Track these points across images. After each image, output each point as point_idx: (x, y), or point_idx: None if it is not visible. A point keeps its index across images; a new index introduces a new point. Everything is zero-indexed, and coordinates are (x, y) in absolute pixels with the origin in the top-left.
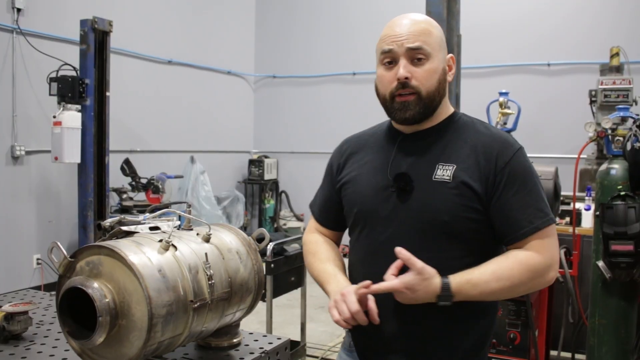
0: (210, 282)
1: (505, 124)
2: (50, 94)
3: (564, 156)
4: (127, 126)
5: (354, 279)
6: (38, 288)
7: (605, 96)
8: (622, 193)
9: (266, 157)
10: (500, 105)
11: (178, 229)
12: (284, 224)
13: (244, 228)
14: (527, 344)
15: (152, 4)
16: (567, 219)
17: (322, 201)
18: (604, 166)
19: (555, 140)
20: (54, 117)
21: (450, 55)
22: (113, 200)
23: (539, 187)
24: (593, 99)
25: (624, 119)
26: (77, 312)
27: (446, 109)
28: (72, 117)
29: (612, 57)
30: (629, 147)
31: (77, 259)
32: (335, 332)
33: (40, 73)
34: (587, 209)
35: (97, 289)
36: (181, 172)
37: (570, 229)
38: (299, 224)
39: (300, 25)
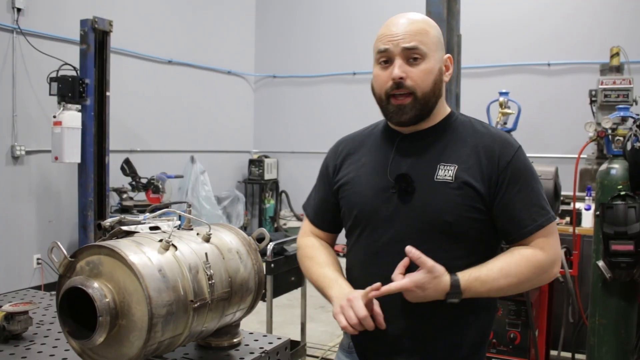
0: (210, 282)
1: (505, 123)
2: (50, 94)
3: (564, 156)
4: (127, 126)
5: (353, 281)
6: (38, 288)
7: (606, 96)
8: (622, 193)
9: (266, 157)
10: (500, 105)
11: (178, 229)
12: (284, 224)
13: (244, 228)
14: (527, 343)
15: (152, 4)
16: (567, 218)
17: (317, 203)
18: (604, 166)
19: (556, 140)
20: (54, 117)
21: (448, 55)
22: (113, 200)
23: (539, 185)
24: (593, 98)
25: (624, 119)
26: (77, 312)
27: (443, 109)
28: (72, 117)
29: (612, 57)
30: (629, 147)
31: (77, 258)
32: (335, 332)
33: (41, 73)
34: (587, 209)
35: (97, 288)
36: (181, 172)
37: (570, 229)
38: (299, 223)
39: (300, 25)
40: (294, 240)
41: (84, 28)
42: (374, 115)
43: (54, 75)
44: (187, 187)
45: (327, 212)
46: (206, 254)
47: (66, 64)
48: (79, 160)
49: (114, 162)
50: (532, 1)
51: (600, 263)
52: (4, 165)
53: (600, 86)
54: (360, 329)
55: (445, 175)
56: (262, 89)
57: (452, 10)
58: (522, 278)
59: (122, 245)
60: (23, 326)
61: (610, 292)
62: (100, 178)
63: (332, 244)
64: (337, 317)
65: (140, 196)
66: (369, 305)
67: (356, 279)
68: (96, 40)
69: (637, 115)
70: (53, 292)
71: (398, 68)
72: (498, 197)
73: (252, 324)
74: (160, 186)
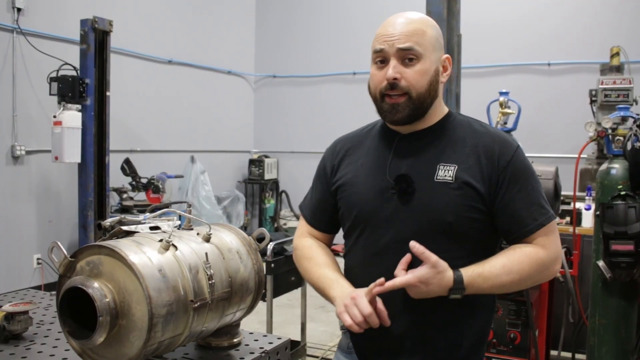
0: (210, 282)
1: (505, 123)
2: (50, 94)
3: (564, 156)
4: (127, 126)
5: (352, 282)
6: (38, 288)
7: (606, 96)
8: (623, 193)
9: (266, 156)
10: (501, 105)
11: (178, 229)
12: (284, 224)
13: (244, 228)
14: (528, 343)
15: (152, 4)
16: (568, 218)
17: (315, 203)
18: (604, 166)
19: (556, 140)
20: (54, 116)
21: (446, 55)
22: (113, 200)
23: (538, 184)
24: (593, 98)
25: (624, 119)
26: (77, 312)
27: (441, 109)
28: (72, 117)
29: (612, 56)
30: (629, 146)
31: (78, 258)
32: (336, 332)
33: (41, 73)
34: (588, 209)
35: (97, 288)
36: (181, 172)
37: (570, 229)
38: None
39: (300, 25)
40: None
41: (84, 28)
42: (374, 115)
43: (54, 75)
44: (187, 187)
45: (325, 212)
46: (206, 253)
47: (66, 63)
48: (79, 160)
49: (114, 162)
50: (532, 1)
51: (601, 263)
52: (4, 165)
53: (601, 86)
54: (365, 327)
55: (446, 175)
56: (262, 89)
57: (452, 10)
58: (524, 275)
59: (122, 245)
60: (23, 326)
61: (610, 292)
62: (100, 178)
63: (329, 244)
64: (342, 316)
65: (141, 196)
66: (372, 302)
67: (356, 280)
68: (96, 40)
69: (637, 115)
70: (53, 292)
71: (392, 69)
72: (498, 196)
73: (252, 324)
74: (160, 186)
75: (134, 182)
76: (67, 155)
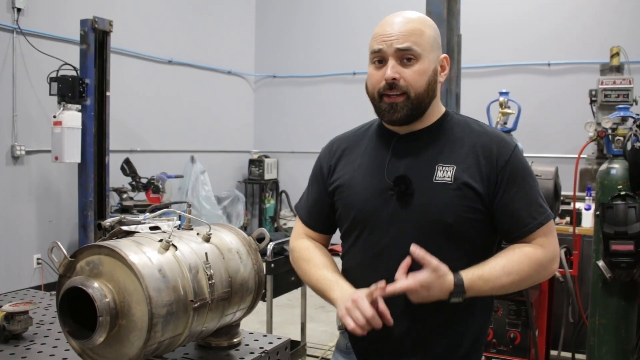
0: (210, 282)
1: (505, 123)
2: (50, 94)
3: (564, 156)
4: (127, 126)
5: (352, 284)
6: (38, 288)
7: (606, 96)
8: (623, 193)
9: (266, 156)
10: (501, 105)
11: (178, 229)
12: (284, 224)
13: (244, 228)
14: (527, 343)
15: (152, 4)
16: (568, 218)
17: (311, 204)
18: (604, 166)
19: (556, 140)
20: (54, 117)
21: (444, 55)
22: (113, 200)
23: (536, 183)
24: (593, 98)
25: (624, 119)
26: (77, 312)
27: (438, 109)
28: (72, 117)
29: (612, 56)
30: (629, 146)
31: (78, 258)
32: (336, 332)
33: (41, 73)
34: (588, 209)
35: (97, 288)
36: (181, 172)
37: (570, 229)
38: None
39: (300, 25)
40: None
41: (84, 28)
42: (374, 115)
43: (54, 75)
44: (187, 187)
45: (321, 213)
46: (206, 253)
47: (66, 64)
48: (79, 160)
49: (114, 162)
50: (532, 1)
51: (600, 263)
52: (4, 165)
53: (600, 86)
54: (368, 329)
55: (444, 176)
56: (262, 89)
57: (452, 10)
58: (524, 275)
59: (122, 245)
60: (23, 326)
61: (610, 292)
62: (100, 178)
63: (326, 245)
64: (344, 319)
65: (141, 196)
66: (373, 304)
67: (355, 281)
68: (96, 40)
69: (637, 115)
70: (53, 292)
71: (391, 69)
72: (497, 196)
73: (252, 324)
74: (160, 186)
75: (134, 182)
76: (67, 155)
